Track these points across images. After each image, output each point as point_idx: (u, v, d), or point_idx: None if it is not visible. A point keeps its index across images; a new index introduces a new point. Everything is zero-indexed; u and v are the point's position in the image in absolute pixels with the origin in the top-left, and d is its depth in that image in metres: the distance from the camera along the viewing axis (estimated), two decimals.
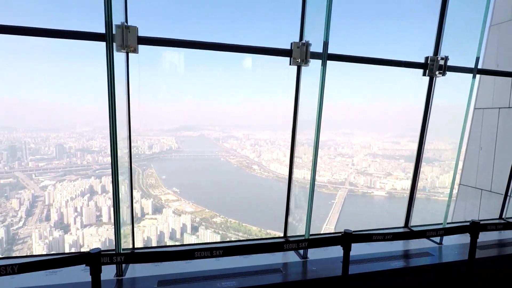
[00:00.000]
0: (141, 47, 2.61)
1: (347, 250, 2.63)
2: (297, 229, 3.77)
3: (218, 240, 56.40)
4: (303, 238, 3.38)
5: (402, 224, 4.56)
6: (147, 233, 54.73)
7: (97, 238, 49.74)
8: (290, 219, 3.82)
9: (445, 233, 3.10)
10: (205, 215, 60.04)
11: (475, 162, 5.85)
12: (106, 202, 58.41)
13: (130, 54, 2.67)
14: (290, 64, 3.35)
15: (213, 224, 58.01)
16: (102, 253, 2.11)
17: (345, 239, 2.62)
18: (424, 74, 3.86)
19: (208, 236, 55.12)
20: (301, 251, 3.37)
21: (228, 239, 55.67)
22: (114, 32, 2.31)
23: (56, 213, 54.84)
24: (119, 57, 2.44)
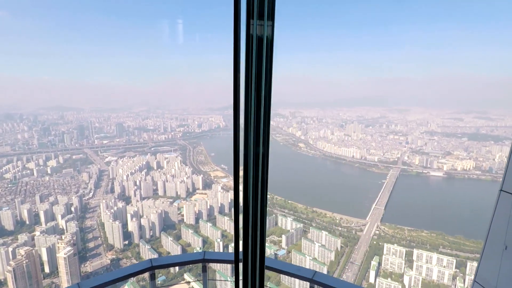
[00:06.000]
0: None
1: None
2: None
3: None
4: None
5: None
6: (198, 207, 58.33)
7: (154, 210, 54.28)
8: None
9: None
10: None
11: None
12: (161, 177, 63.35)
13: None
14: None
15: None
16: None
17: None
18: None
19: None
20: None
21: (274, 215, 56.42)
22: None
23: (119, 186, 60.92)
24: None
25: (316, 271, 4.26)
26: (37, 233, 47.40)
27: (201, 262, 4.72)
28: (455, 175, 66.09)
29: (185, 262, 5.22)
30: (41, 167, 66.23)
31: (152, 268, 4.37)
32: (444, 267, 42.67)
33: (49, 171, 65.48)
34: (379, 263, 45.61)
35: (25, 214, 52.01)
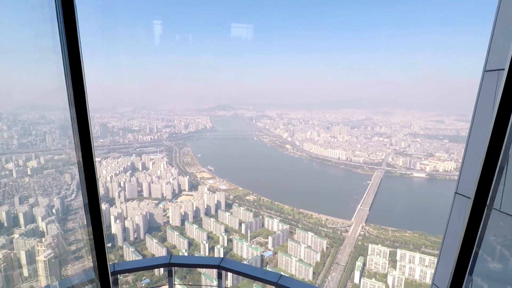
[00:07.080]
0: None
1: None
2: None
3: (251, 217, 57.17)
4: None
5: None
6: (184, 208, 57.75)
7: (138, 212, 53.47)
8: None
9: None
10: (239, 193, 61.68)
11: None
12: (146, 179, 62.41)
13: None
14: None
15: (246, 202, 59.49)
16: None
17: None
18: None
19: (241, 213, 56.87)
20: None
21: (260, 217, 56.77)
22: None
23: (102, 187, 59.51)
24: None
25: (282, 275, 4.31)
26: (16, 235, 45.65)
27: (167, 267, 4.67)
28: (436, 176, 67.90)
29: (149, 266, 5.17)
30: (21, 167, 63.83)
31: (114, 273, 4.28)
32: (426, 266, 43.72)
33: (29, 172, 63.13)
34: (364, 264, 46.29)
35: (3, 216, 50.03)
